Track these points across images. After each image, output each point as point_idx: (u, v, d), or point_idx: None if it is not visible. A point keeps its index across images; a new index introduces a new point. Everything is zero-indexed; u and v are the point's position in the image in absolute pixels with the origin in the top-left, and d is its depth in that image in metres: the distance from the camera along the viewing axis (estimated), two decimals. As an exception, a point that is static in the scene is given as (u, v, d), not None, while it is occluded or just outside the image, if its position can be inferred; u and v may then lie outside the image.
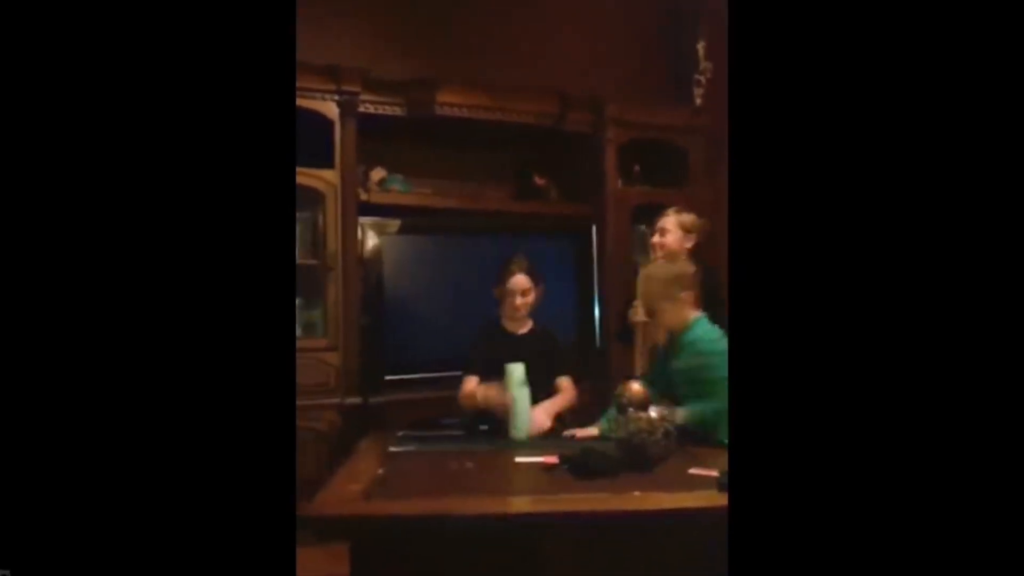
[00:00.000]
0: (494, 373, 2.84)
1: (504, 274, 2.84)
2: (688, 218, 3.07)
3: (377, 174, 3.81)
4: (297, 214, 3.48)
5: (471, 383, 2.83)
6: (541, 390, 2.63)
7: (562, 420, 2.81)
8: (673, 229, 3.02)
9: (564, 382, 2.86)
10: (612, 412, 2.38)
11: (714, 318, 2.85)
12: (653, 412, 2.18)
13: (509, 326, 2.90)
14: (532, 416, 2.53)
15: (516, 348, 2.83)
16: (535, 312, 2.91)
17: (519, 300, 2.83)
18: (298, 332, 3.54)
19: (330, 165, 3.51)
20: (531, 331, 2.91)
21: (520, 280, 2.83)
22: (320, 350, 3.45)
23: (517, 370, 2.51)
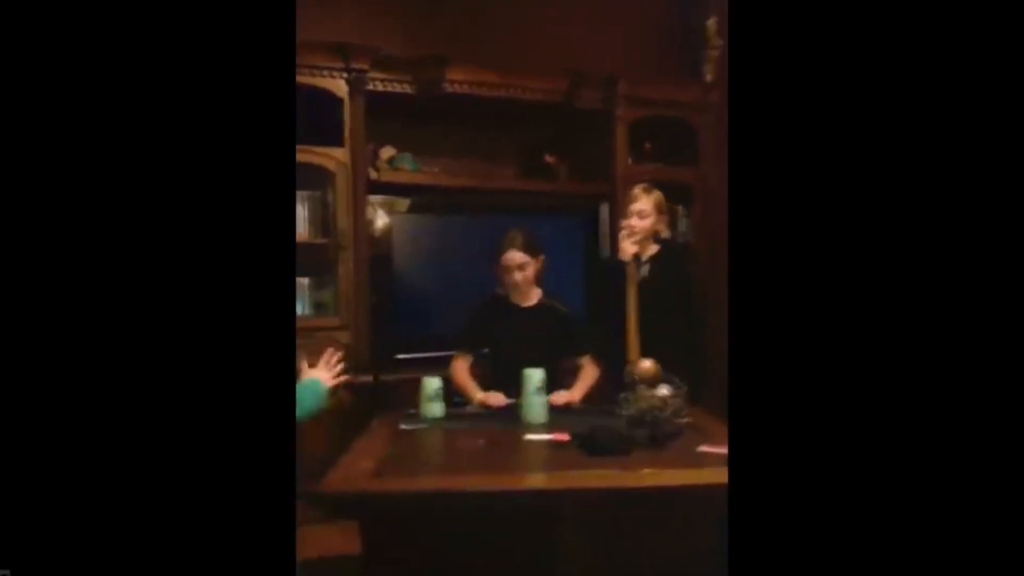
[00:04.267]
0: (501, 347, 2.85)
1: (499, 251, 2.80)
2: (659, 195, 3.01)
3: (387, 152, 3.80)
4: (307, 193, 3.49)
5: (461, 363, 2.85)
6: (552, 368, 2.62)
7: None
8: (651, 211, 2.97)
9: (585, 362, 2.84)
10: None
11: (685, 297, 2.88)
12: (663, 389, 2.19)
13: (516, 299, 2.87)
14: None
15: (523, 322, 2.83)
16: (542, 283, 2.88)
17: (517, 275, 2.78)
18: (309, 311, 3.55)
19: (340, 143, 3.50)
20: (539, 303, 2.87)
21: (514, 256, 2.77)
22: (331, 329, 3.46)
23: (535, 376, 2.46)
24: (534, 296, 2.88)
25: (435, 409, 2.57)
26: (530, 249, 2.79)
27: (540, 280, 2.87)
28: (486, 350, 2.90)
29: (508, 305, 2.88)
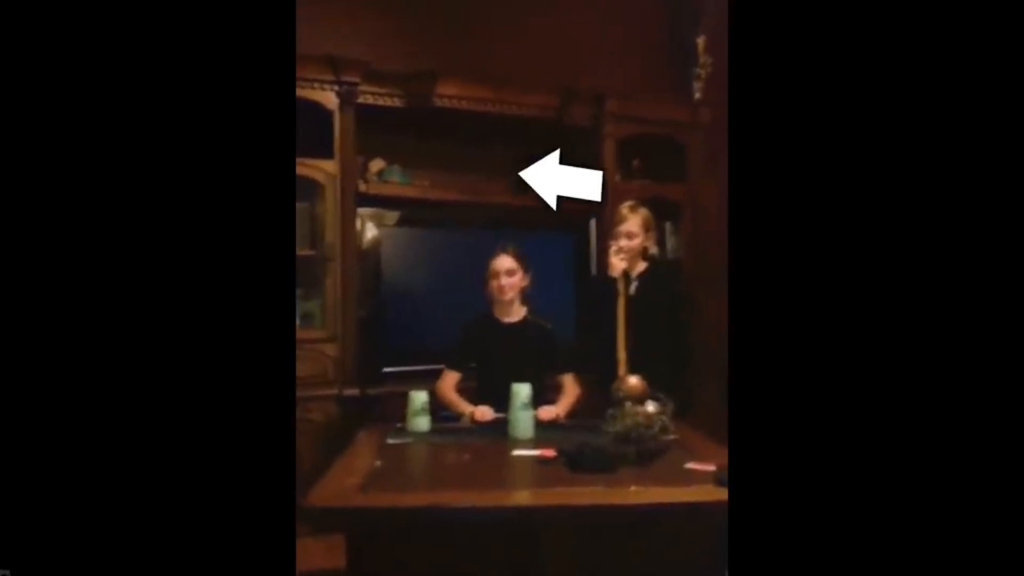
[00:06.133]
0: (486, 364, 2.86)
1: (490, 259, 2.84)
2: (645, 213, 3.02)
3: (376, 165, 3.80)
4: (296, 205, 3.47)
5: (450, 379, 2.87)
6: (537, 383, 2.61)
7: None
8: (639, 231, 2.98)
9: (567, 380, 2.86)
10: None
11: (673, 314, 2.89)
12: (650, 406, 2.19)
13: (500, 315, 2.89)
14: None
15: (507, 338, 2.84)
16: (528, 301, 2.90)
17: (504, 280, 2.81)
18: (296, 323, 3.53)
19: (329, 156, 3.49)
20: (523, 320, 2.89)
21: (503, 260, 2.81)
22: (318, 341, 3.45)
23: (522, 391, 2.46)
24: (519, 313, 2.89)
25: (421, 423, 2.57)
26: (521, 261, 2.83)
27: (526, 298, 2.90)
28: (473, 364, 2.90)
29: (493, 322, 2.89)
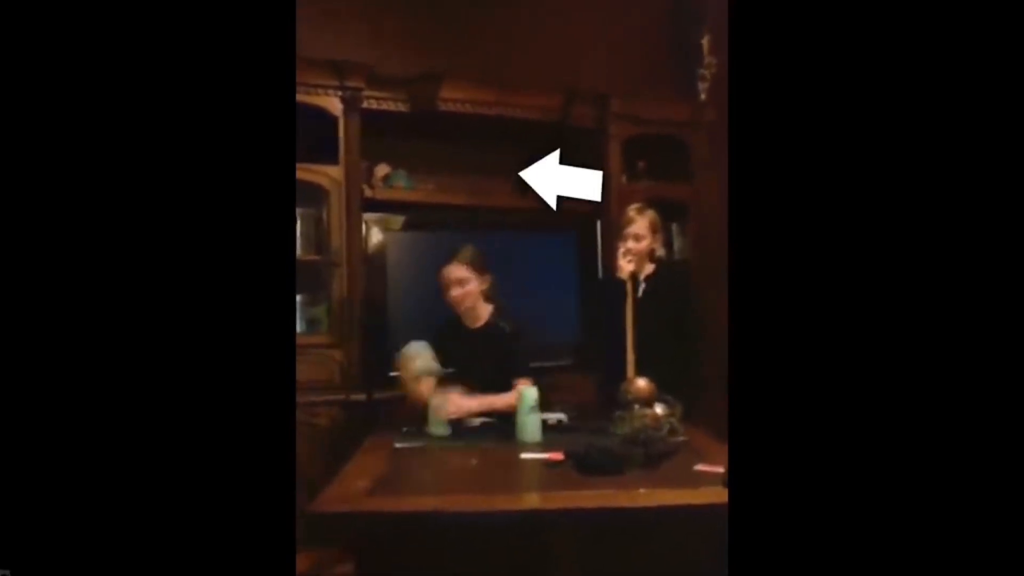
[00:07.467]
0: (460, 370, 2.78)
1: (441, 267, 2.77)
2: (652, 215, 3.02)
3: (381, 170, 3.80)
4: (301, 210, 3.48)
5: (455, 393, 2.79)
6: (496, 389, 2.62)
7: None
8: (647, 233, 2.98)
9: (521, 383, 2.58)
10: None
11: (681, 316, 2.87)
12: (659, 408, 2.18)
13: (466, 322, 2.85)
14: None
15: (474, 343, 2.80)
16: (493, 300, 2.85)
17: (455, 291, 2.75)
18: (302, 328, 3.54)
19: (334, 161, 3.50)
20: (487, 324, 2.83)
21: (453, 269, 2.74)
22: (324, 346, 3.45)
23: (530, 395, 2.44)
24: (483, 316, 2.84)
25: (440, 427, 2.56)
26: (475, 266, 2.76)
27: (490, 299, 2.84)
28: (451, 369, 2.82)
29: (459, 327, 2.85)
